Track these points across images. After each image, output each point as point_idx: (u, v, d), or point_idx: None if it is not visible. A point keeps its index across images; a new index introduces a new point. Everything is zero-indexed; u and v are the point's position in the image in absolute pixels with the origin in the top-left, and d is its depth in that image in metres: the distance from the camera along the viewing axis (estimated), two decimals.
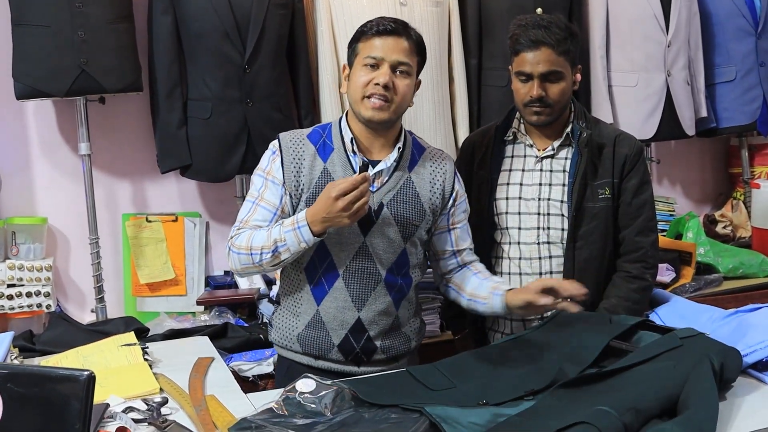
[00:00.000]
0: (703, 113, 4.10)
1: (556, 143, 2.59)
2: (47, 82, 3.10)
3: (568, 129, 2.58)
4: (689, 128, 4.02)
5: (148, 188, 3.57)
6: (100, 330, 2.93)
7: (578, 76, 2.57)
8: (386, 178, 2.36)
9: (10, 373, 1.52)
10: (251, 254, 2.29)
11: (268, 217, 2.34)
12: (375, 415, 1.85)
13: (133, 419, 1.89)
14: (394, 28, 2.29)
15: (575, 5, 3.78)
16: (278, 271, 2.70)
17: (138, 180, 3.56)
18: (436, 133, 3.50)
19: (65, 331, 2.98)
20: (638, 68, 3.87)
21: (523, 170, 2.61)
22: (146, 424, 1.88)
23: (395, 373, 2.13)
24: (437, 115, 3.51)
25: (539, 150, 2.61)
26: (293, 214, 2.34)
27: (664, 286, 3.43)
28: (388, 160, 2.35)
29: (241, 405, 2.01)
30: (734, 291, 3.64)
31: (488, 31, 3.66)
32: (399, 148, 2.37)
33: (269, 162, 2.38)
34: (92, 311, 3.38)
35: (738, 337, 2.19)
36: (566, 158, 2.58)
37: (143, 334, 2.93)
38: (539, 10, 3.49)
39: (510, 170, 2.63)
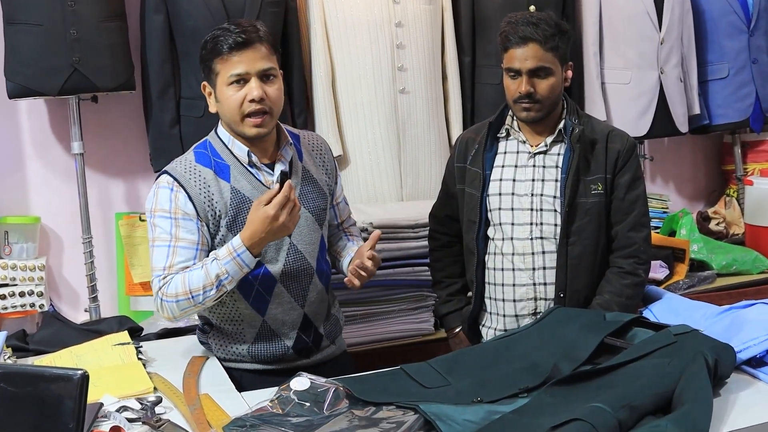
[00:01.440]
0: (696, 110, 4.11)
1: (549, 139, 2.60)
2: (39, 81, 3.09)
3: (561, 125, 2.59)
4: (682, 125, 4.03)
5: (142, 187, 3.56)
6: (94, 329, 2.91)
7: (569, 73, 2.58)
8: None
9: (3, 372, 1.52)
10: (191, 297, 2.22)
11: (191, 256, 2.27)
12: (369, 413, 1.85)
13: (127, 418, 1.89)
14: (246, 38, 2.24)
15: (569, 3, 3.79)
16: None
17: (131, 179, 3.55)
18: (430, 131, 3.51)
19: (58, 331, 2.96)
20: (631, 66, 3.88)
21: (516, 166, 2.62)
22: (140, 423, 1.87)
23: (389, 371, 2.12)
24: (431, 112, 3.52)
25: (532, 146, 2.62)
26: (212, 242, 2.31)
27: (658, 283, 3.44)
28: (285, 160, 2.38)
29: (236, 404, 2.01)
30: (728, 288, 3.66)
31: (482, 29, 3.67)
32: (291, 144, 2.40)
33: (171, 201, 2.28)
34: (86, 310, 3.38)
35: (732, 334, 2.19)
36: (559, 154, 2.59)
37: (137, 334, 2.92)
38: (532, 8, 3.51)
39: (503, 166, 2.63)
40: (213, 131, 2.41)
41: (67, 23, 3.05)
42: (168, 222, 2.27)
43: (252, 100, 2.24)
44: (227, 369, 2.36)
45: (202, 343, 2.49)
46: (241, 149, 2.33)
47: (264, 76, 2.27)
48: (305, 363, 2.41)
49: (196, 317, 3.13)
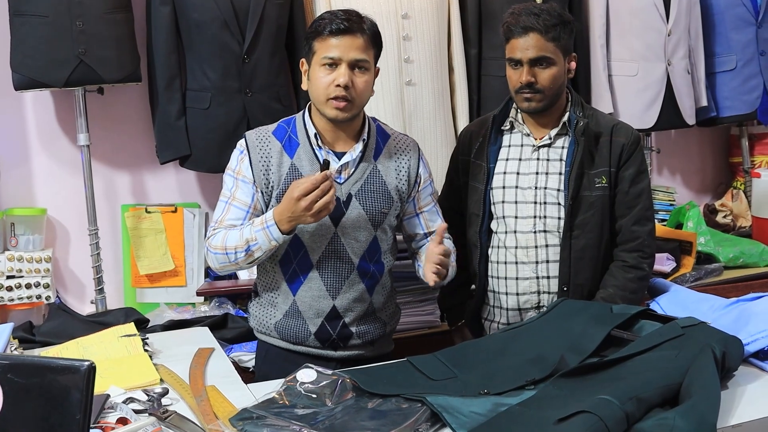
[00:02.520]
0: (704, 102, 4.09)
1: (553, 132, 2.59)
2: (45, 73, 3.09)
3: (565, 118, 2.58)
4: (689, 118, 4.01)
5: (148, 179, 3.56)
6: (100, 321, 2.92)
7: (573, 64, 2.57)
8: (353, 170, 2.42)
9: (10, 364, 1.51)
10: (227, 254, 2.35)
11: (241, 216, 2.40)
12: (376, 405, 1.85)
13: (133, 410, 1.89)
14: (348, 26, 2.31)
15: None
16: None
17: (137, 171, 3.55)
18: (436, 123, 3.50)
19: (65, 323, 2.98)
20: (638, 58, 3.87)
21: (520, 159, 2.61)
22: (147, 414, 1.87)
23: (396, 363, 2.12)
24: (437, 104, 3.50)
25: (536, 139, 2.61)
26: (266, 210, 2.39)
27: (665, 275, 3.43)
28: (354, 152, 2.41)
29: (242, 395, 2.01)
30: (735, 280, 3.65)
31: (488, 21, 3.65)
32: (363, 140, 2.42)
33: (238, 162, 2.43)
34: (92, 302, 3.38)
35: (739, 326, 2.19)
36: (563, 147, 2.58)
37: (143, 325, 2.92)
38: (538, 0, 3.49)
39: (507, 159, 2.63)
40: (304, 110, 2.47)
41: (73, 15, 3.05)
42: (231, 180, 2.43)
43: (338, 85, 2.30)
44: (260, 341, 2.55)
45: (248, 312, 2.62)
46: (311, 130, 2.41)
47: (356, 66, 2.32)
48: (330, 355, 2.45)
49: (205, 308, 3.19)
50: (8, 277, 3.21)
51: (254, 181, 2.40)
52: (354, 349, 2.48)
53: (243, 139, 2.45)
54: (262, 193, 2.40)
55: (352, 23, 2.32)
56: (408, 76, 3.41)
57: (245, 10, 3.24)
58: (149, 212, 3.51)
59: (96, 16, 3.09)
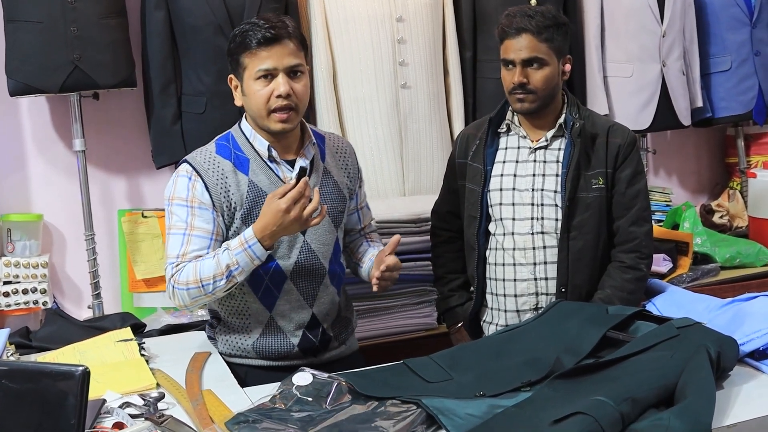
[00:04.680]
0: (699, 103, 4.10)
1: (549, 134, 2.59)
2: (40, 79, 3.09)
3: (561, 119, 2.58)
4: (685, 118, 4.02)
5: (144, 184, 3.56)
6: (97, 326, 2.92)
7: (567, 67, 2.58)
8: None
9: (5, 369, 1.52)
10: (202, 286, 2.23)
11: (205, 245, 2.28)
12: (372, 407, 1.85)
13: (129, 414, 1.89)
14: (275, 34, 2.24)
15: None
16: None
17: (133, 176, 3.55)
18: (431, 126, 3.50)
19: (61, 328, 2.96)
20: (633, 59, 3.87)
21: (517, 161, 2.62)
22: (143, 419, 1.87)
23: (392, 365, 2.12)
24: (432, 107, 3.51)
25: (532, 141, 2.61)
26: (227, 233, 2.32)
27: (661, 276, 3.43)
28: (307, 158, 2.38)
29: (238, 399, 2.01)
30: (731, 280, 3.66)
31: (483, 24, 3.66)
32: (314, 144, 2.40)
33: (188, 190, 2.30)
34: (89, 307, 3.38)
35: (735, 326, 2.19)
36: (560, 149, 2.59)
37: (140, 330, 2.91)
38: (533, 1, 3.49)
39: (504, 161, 2.63)
40: (236, 125, 2.42)
41: (67, 20, 3.05)
42: (184, 210, 2.29)
43: (279, 96, 2.25)
44: (232, 365, 2.36)
45: (209, 338, 2.50)
46: (262, 143, 2.34)
47: (291, 72, 2.28)
48: (312, 361, 2.40)
49: (202, 312, 3.17)
50: (5, 283, 3.21)
51: (213, 206, 2.29)
52: (331, 351, 2.47)
53: (186, 165, 2.32)
54: (223, 216, 2.30)
55: (279, 29, 2.25)
56: (403, 79, 3.42)
57: (240, 14, 3.24)
58: (146, 217, 3.50)
59: (90, 22, 3.09)
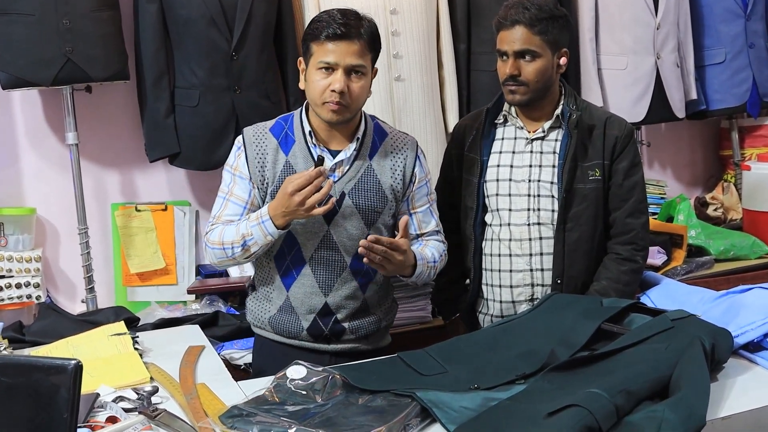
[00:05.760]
0: (693, 96, 4.10)
1: (547, 125, 2.59)
2: (33, 72, 3.07)
3: (558, 111, 2.58)
4: (679, 111, 4.02)
5: (137, 177, 3.55)
6: (90, 320, 2.91)
7: (563, 60, 2.57)
8: (347, 168, 2.42)
9: None
10: (224, 248, 2.38)
11: (238, 212, 2.43)
12: (366, 400, 1.85)
13: (123, 408, 1.88)
14: (345, 32, 2.29)
15: None
16: None
17: (126, 169, 3.54)
18: (426, 118, 3.49)
19: (55, 322, 2.96)
20: (627, 51, 3.87)
21: (514, 152, 2.62)
22: (137, 413, 1.86)
23: (386, 358, 2.12)
24: (426, 100, 3.50)
25: (530, 132, 2.61)
26: (262, 205, 2.41)
27: (656, 269, 3.44)
28: (348, 150, 2.41)
29: (232, 393, 2.00)
30: (725, 273, 3.66)
31: (477, 16, 3.65)
32: (358, 138, 2.42)
33: (235, 158, 2.45)
34: (82, 301, 3.37)
35: (729, 319, 2.19)
36: (557, 140, 2.59)
37: (133, 324, 2.91)
38: None
39: (500, 152, 2.63)
40: (302, 107, 2.48)
41: (59, 13, 3.04)
42: (229, 176, 2.46)
43: (333, 91, 2.30)
44: (256, 334, 2.58)
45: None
46: (306, 128, 2.42)
47: (352, 71, 2.32)
48: (324, 348, 2.47)
49: (196, 306, 3.18)
50: None
51: (250, 178, 2.42)
52: (348, 343, 2.49)
53: (241, 136, 2.47)
54: (258, 189, 2.42)
55: (350, 28, 2.30)
56: (397, 71, 3.41)
57: (233, 6, 3.23)
58: (139, 210, 3.50)
59: (83, 14, 3.07)
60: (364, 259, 2.30)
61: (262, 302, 2.52)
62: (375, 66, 2.43)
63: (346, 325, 2.47)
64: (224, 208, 2.44)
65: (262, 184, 2.41)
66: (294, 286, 2.45)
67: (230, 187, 2.45)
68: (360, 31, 2.32)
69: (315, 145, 2.40)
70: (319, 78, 2.32)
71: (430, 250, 2.51)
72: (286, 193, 2.24)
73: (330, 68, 2.31)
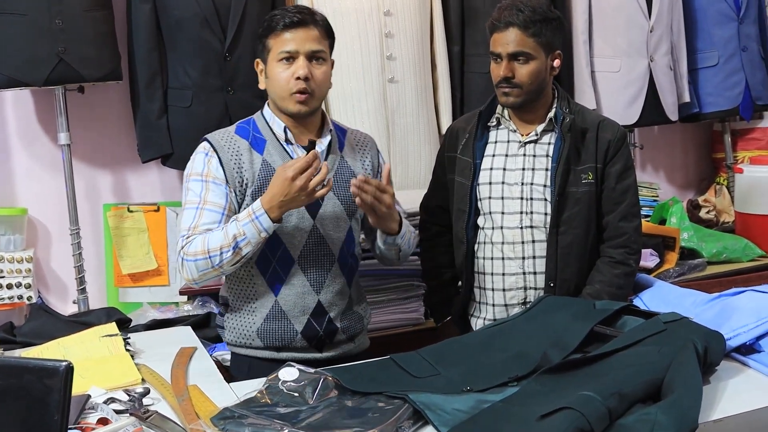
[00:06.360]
0: (686, 98, 4.11)
1: (540, 128, 2.59)
2: (25, 72, 3.07)
3: (551, 114, 2.58)
4: (672, 113, 4.03)
5: (129, 178, 3.54)
6: (82, 321, 2.90)
7: (557, 62, 2.57)
8: (322, 161, 2.39)
9: None
10: (209, 257, 2.27)
11: (216, 219, 2.33)
12: (358, 403, 1.84)
13: (114, 410, 1.87)
14: (301, 18, 2.33)
15: None
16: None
17: (119, 170, 3.53)
18: (419, 120, 3.50)
19: (46, 323, 2.95)
20: (621, 54, 3.88)
21: (507, 155, 2.61)
22: (128, 414, 1.85)
23: (378, 360, 2.12)
24: (420, 102, 3.50)
25: (522, 135, 2.61)
26: (238, 210, 2.35)
27: (648, 271, 3.44)
28: (322, 144, 2.41)
29: (224, 395, 2.00)
30: (718, 276, 3.66)
31: (470, 18, 3.65)
32: (331, 131, 2.44)
33: (204, 165, 2.37)
34: (74, 302, 3.37)
35: (722, 321, 2.19)
36: (549, 143, 2.58)
37: (125, 325, 2.90)
38: None
39: (493, 155, 2.63)
40: (259, 111, 2.47)
41: (52, 13, 3.03)
42: (199, 185, 2.36)
43: (297, 78, 2.30)
44: (238, 356, 2.46)
45: (218, 327, 2.55)
46: (279, 126, 2.40)
47: (313, 58, 2.34)
48: (316, 357, 2.42)
49: (188, 307, 3.16)
50: None
51: (227, 182, 2.35)
52: (338, 347, 2.47)
53: (205, 142, 2.40)
54: (235, 192, 2.36)
55: (305, 15, 2.34)
56: (390, 73, 3.41)
57: (227, 7, 3.23)
58: (131, 211, 3.49)
59: (76, 14, 3.07)
60: (357, 200, 2.31)
61: (243, 317, 2.44)
62: (332, 58, 2.45)
63: (338, 324, 2.46)
64: (199, 217, 2.33)
65: (241, 186, 2.36)
66: (284, 288, 2.40)
67: (203, 195, 2.35)
68: (315, 18, 2.36)
69: (288, 142, 2.40)
70: (281, 69, 2.32)
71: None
72: (287, 178, 2.20)
73: (290, 57, 2.32)
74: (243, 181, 2.36)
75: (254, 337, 2.43)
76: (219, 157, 2.36)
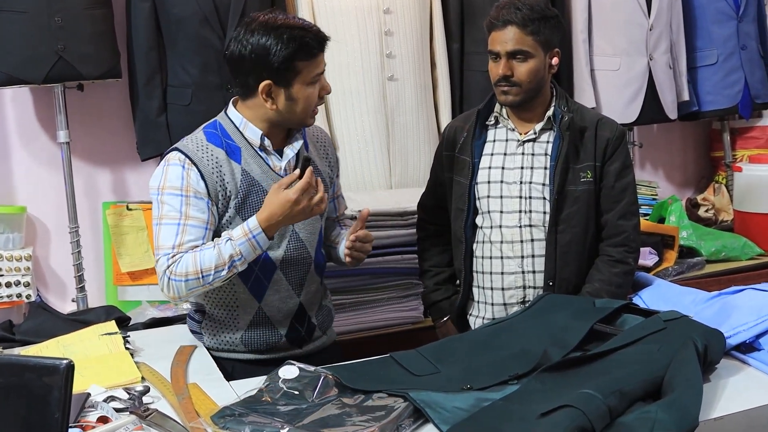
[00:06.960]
0: (685, 97, 4.11)
1: (538, 126, 2.59)
2: (24, 70, 3.06)
3: (550, 112, 2.58)
4: (671, 112, 4.03)
5: (128, 176, 3.54)
6: (81, 319, 2.89)
7: (555, 60, 2.57)
8: (294, 163, 2.38)
9: None
10: (202, 277, 2.20)
11: (200, 235, 2.24)
12: (358, 401, 1.84)
13: (114, 408, 1.88)
14: (323, 37, 2.29)
15: None
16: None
17: (118, 168, 3.53)
18: (419, 118, 3.50)
19: (45, 321, 2.94)
20: (620, 52, 3.88)
21: (505, 154, 2.61)
22: (128, 413, 1.86)
23: (378, 358, 2.12)
24: (419, 100, 3.50)
25: (521, 134, 2.61)
26: (220, 222, 2.30)
27: (647, 269, 3.45)
28: (294, 147, 2.37)
29: (224, 393, 2.00)
30: (717, 274, 3.67)
31: (470, 16, 3.65)
32: (301, 132, 2.42)
33: (183, 178, 2.25)
34: (73, 300, 3.36)
35: (721, 319, 2.19)
36: (548, 142, 2.58)
37: (124, 323, 2.89)
38: None
39: (492, 154, 2.62)
40: (222, 113, 2.38)
41: (51, 11, 3.02)
42: (178, 200, 2.24)
43: (320, 98, 2.32)
44: (218, 359, 2.34)
45: (193, 332, 2.47)
46: (254, 132, 2.32)
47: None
48: (297, 353, 2.40)
49: (186, 305, 3.14)
50: None
51: (209, 195, 2.26)
52: (316, 341, 2.48)
53: (178, 153, 2.27)
54: (217, 205, 2.28)
55: (320, 32, 2.29)
56: (390, 71, 3.41)
57: (226, 5, 3.22)
58: (130, 209, 3.48)
59: (75, 12, 3.06)
60: (347, 259, 2.41)
61: (225, 324, 2.39)
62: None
63: (315, 321, 2.47)
64: (183, 234, 2.22)
65: (224, 199, 2.28)
66: (267, 294, 2.37)
67: (183, 210, 2.23)
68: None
69: (262, 149, 2.33)
70: (312, 90, 2.28)
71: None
72: (289, 200, 2.16)
73: (318, 79, 2.30)
74: (226, 193, 2.28)
75: (238, 344, 2.40)
76: (199, 170, 2.25)
